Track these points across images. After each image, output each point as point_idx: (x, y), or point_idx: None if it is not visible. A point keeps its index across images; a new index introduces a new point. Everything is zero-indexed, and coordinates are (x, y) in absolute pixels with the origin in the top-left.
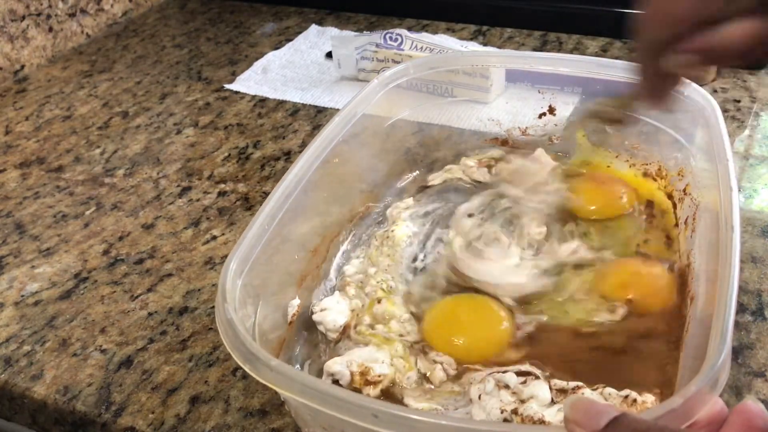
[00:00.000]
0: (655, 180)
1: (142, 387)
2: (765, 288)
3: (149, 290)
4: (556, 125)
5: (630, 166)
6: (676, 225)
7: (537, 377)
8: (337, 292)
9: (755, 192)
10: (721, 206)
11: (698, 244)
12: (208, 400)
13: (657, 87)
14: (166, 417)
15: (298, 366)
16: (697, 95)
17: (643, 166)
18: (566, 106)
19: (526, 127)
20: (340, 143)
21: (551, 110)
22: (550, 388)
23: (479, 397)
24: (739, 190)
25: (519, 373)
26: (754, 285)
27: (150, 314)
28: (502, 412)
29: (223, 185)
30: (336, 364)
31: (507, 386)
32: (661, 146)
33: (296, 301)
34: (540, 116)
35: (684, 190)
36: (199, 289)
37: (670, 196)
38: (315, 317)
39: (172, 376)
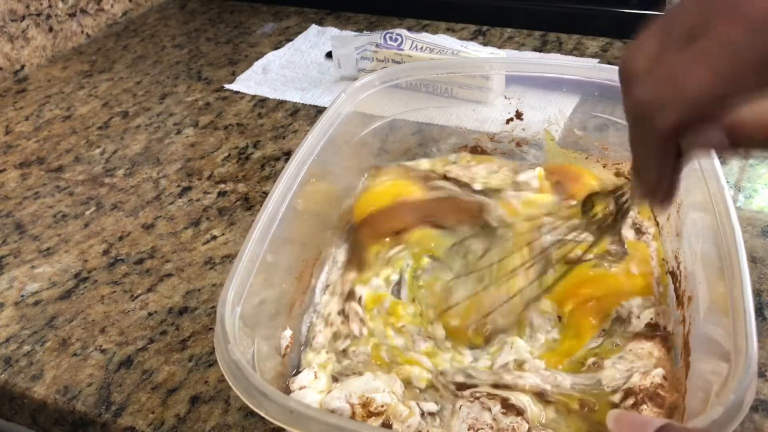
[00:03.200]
0: (628, 179)
1: (142, 387)
2: (765, 288)
3: (149, 290)
4: (524, 129)
5: (602, 166)
6: (657, 224)
7: (521, 415)
8: (315, 364)
9: (755, 192)
10: (713, 205)
11: (688, 243)
12: (208, 400)
13: (664, 177)
14: (166, 417)
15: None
16: None
17: (615, 166)
18: (566, 108)
19: (494, 134)
20: (315, 161)
21: (518, 115)
22: None
23: (459, 407)
24: (739, 190)
25: (506, 404)
26: (754, 285)
27: (150, 314)
28: (468, 429)
29: (223, 185)
30: (334, 399)
31: (489, 409)
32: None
33: (288, 332)
34: (507, 122)
35: None
36: (199, 289)
37: None
38: (293, 396)
39: (172, 376)
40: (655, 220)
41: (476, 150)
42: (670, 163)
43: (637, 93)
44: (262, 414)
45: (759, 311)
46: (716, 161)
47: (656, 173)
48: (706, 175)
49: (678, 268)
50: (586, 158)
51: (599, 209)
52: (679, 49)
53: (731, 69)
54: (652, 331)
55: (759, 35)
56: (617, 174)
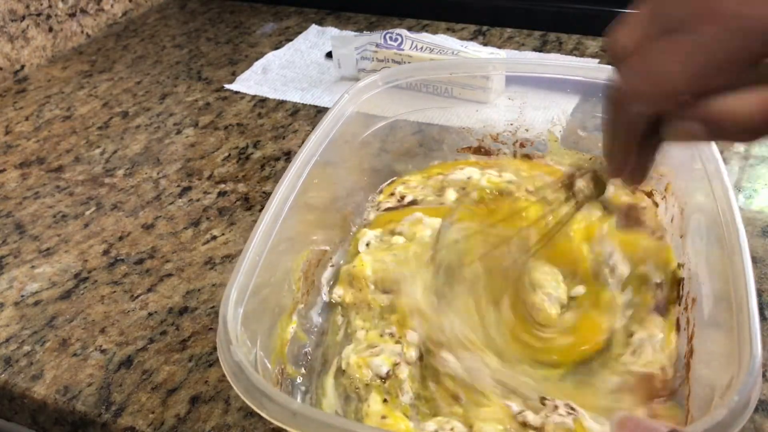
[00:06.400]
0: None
1: (142, 387)
2: (765, 288)
3: (149, 290)
4: (527, 130)
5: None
6: (656, 207)
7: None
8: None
9: (755, 192)
10: (717, 206)
11: (692, 245)
12: (208, 400)
13: (637, 161)
14: (166, 417)
15: (299, 399)
16: None
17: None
18: (567, 108)
19: (497, 134)
20: (318, 161)
21: (520, 116)
22: None
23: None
24: (739, 190)
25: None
26: (755, 285)
27: (150, 314)
28: None
29: (223, 185)
30: None
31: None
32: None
33: (292, 330)
34: (511, 123)
35: (665, 190)
36: (199, 289)
37: (650, 195)
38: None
39: (172, 376)
40: (654, 204)
41: (479, 150)
42: (636, 147)
43: (616, 77)
44: (265, 416)
45: (759, 311)
46: (720, 162)
47: (623, 156)
48: (710, 175)
49: (680, 269)
50: (590, 159)
51: (580, 186)
52: (660, 40)
53: (703, 66)
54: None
55: (730, 36)
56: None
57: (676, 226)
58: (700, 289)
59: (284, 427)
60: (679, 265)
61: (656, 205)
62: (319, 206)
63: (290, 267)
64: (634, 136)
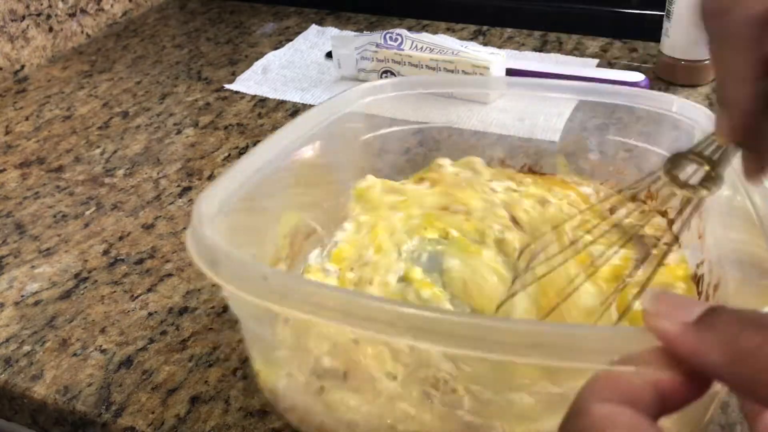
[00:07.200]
0: (644, 202)
1: (142, 387)
2: None
3: (149, 290)
4: (529, 133)
5: (618, 192)
6: (671, 226)
7: None
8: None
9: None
10: (740, 183)
11: (711, 232)
12: (208, 400)
13: (749, 99)
14: (166, 417)
15: None
16: (689, 110)
17: (630, 190)
18: (566, 109)
19: (498, 137)
20: (318, 163)
21: (520, 118)
22: None
23: None
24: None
25: None
26: None
27: (150, 314)
28: None
29: None
30: None
31: None
32: (651, 166)
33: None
34: (513, 125)
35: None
36: (199, 289)
37: (663, 214)
38: None
39: (172, 376)
40: (669, 222)
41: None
42: (754, 77)
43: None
44: (240, 291)
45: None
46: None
47: (740, 92)
48: (739, 177)
49: (701, 264)
50: (602, 183)
51: (690, 169)
52: None
53: None
54: None
55: None
56: (633, 198)
57: (697, 229)
58: (724, 274)
59: (259, 299)
60: (698, 265)
61: (669, 220)
62: (315, 186)
63: (278, 218)
64: (747, 57)
